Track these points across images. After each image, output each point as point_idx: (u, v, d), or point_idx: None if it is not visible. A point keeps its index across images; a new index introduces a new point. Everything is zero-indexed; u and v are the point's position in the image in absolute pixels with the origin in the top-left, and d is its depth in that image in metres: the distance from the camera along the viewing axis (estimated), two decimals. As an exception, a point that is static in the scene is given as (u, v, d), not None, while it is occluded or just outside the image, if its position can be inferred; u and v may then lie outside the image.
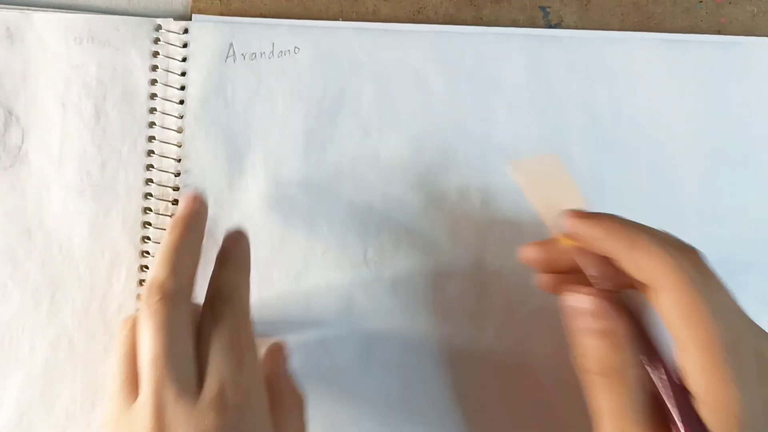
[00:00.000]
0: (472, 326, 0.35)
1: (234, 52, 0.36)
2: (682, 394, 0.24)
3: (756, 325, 0.25)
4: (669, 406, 0.24)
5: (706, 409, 0.23)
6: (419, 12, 0.37)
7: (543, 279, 0.30)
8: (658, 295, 0.24)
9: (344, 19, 0.37)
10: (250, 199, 0.36)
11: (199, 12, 0.36)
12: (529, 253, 0.30)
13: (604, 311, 0.26)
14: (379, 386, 0.35)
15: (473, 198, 0.36)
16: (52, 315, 0.35)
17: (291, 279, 0.35)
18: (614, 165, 0.37)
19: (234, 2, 0.37)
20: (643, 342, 0.26)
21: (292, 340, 0.35)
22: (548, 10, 0.37)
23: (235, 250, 0.31)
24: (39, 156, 0.36)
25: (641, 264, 0.25)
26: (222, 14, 0.37)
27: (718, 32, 0.37)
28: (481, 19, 0.37)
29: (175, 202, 0.36)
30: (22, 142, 0.36)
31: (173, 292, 0.27)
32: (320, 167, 0.36)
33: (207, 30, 0.36)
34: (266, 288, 0.36)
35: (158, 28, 0.36)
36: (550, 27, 0.37)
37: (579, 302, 0.27)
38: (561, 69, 0.37)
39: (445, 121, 0.36)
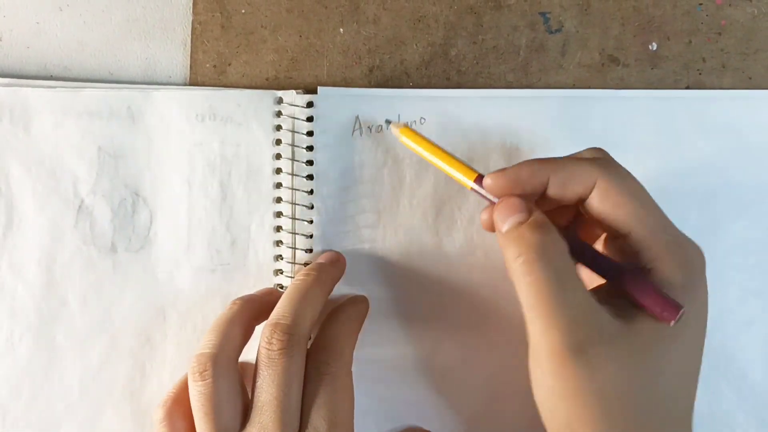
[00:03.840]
0: None
1: (360, 125, 0.35)
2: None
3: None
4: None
5: (666, 262, 0.26)
6: (420, 20, 0.36)
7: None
8: (590, 196, 0.27)
9: (344, 29, 0.36)
10: (381, 271, 0.36)
11: (198, 31, 0.36)
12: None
13: (518, 203, 0.27)
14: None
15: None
16: (191, 396, 0.35)
17: (425, 357, 0.36)
18: (743, 224, 0.36)
19: (234, 17, 0.36)
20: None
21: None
22: (548, 15, 0.37)
23: (352, 307, 0.33)
24: (168, 237, 0.36)
25: (574, 176, 0.27)
26: (222, 27, 0.36)
27: (719, 34, 0.37)
28: (482, 26, 0.36)
29: (308, 279, 0.36)
30: (151, 223, 0.36)
31: (294, 341, 0.29)
32: (450, 236, 0.36)
33: (332, 103, 0.36)
34: (398, 366, 0.36)
35: (279, 101, 0.36)
36: (551, 33, 0.36)
37: (497, 210, 0.28)
38: (688, 129, 0.36)
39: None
